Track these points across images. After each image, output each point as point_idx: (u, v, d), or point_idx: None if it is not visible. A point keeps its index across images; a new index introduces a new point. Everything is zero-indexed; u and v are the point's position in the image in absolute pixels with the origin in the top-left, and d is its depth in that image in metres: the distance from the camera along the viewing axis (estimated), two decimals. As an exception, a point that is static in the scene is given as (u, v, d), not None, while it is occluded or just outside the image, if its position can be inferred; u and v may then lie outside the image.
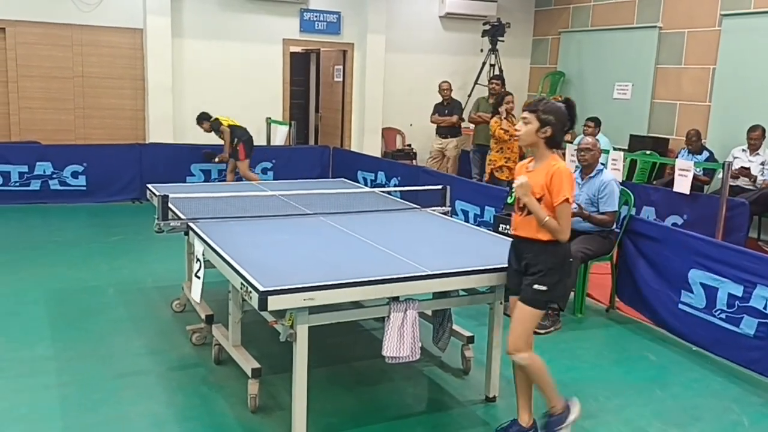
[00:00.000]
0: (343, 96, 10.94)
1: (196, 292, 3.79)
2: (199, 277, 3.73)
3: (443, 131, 9.26)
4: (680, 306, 4.66)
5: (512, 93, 7.89)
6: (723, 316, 4.34)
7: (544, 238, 3.04)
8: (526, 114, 3.07)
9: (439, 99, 9.32)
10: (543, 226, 3.02)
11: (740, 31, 8.43)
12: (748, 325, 4.16)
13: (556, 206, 2.99)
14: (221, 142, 8.32)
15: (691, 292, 4.58)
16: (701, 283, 4.50)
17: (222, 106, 9.70)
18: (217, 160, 8.48)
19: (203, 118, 8.24)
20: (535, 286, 3.06)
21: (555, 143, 3.09)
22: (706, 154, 7.79)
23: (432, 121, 9.35)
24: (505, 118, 7.26)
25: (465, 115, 9.49)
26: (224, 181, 8.69)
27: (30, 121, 9.03)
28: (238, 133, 8.17)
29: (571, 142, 8.48)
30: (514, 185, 3.13)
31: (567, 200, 2.99)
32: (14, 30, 8.77)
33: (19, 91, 8.93)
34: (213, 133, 8.31)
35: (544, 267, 3.06)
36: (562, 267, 3.10)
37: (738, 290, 4.23)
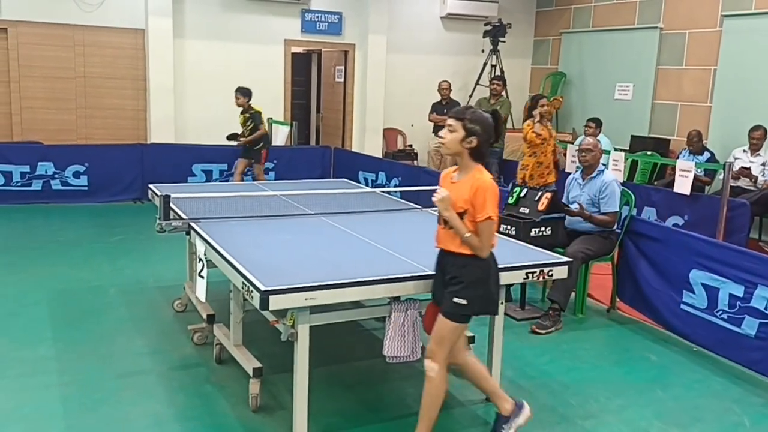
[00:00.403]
0: (344, 96, 10.95)
1: (200, 292, 3.80)
2: (203, 277, 3.73)
3: (441, 130, 9.25)
4: (682, 306, 4.67)
5: (546, 96, 7.59)
6: (725, 316, 4.34)
7: (467, 251, 2.92)
8: (451, 121, 2.96)
9: (438, 98, 9.34)
10: (464, 242, 2.91)
11: (741, 31, 8.44)
12: (750, 326, 4.16)
13: (478, 223, 2.87)
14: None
15: (693, 292, 4.58)
16: (702, 284, 4.51)
17: (223, 106, 9.72)
18: (236, 143, 8.24)
19: (246, 94, 7.95)
20: (455, 299, 2.94)
21: (480, 155, 2.95)
22: (707, 154, 7.79)
23: (430, 120, 9.39)
24: (538, 121, 6.90)
25: None
26: (226, 181, 8.71)
27: (32, 121, 9.05)
28: (266, 139, 8.30)
29: (572, 143, 8.49)
30: (433, 198, 2.97)
31: (490, 218, 2.86)
32: (16, 30, 8.78)
33: (21, 91, 8.95)
34: (241, 114, 8.05)
35: (465, 280, 2.94)
36: (486, 281, 2.97)
37: (739, 291, 4.23)
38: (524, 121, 7.32)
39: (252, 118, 7.98)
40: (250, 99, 7.97)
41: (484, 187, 2.87)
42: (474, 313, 3.02)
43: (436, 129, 9.35)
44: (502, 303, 3.40)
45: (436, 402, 3.06)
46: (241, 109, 8.00)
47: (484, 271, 2.97)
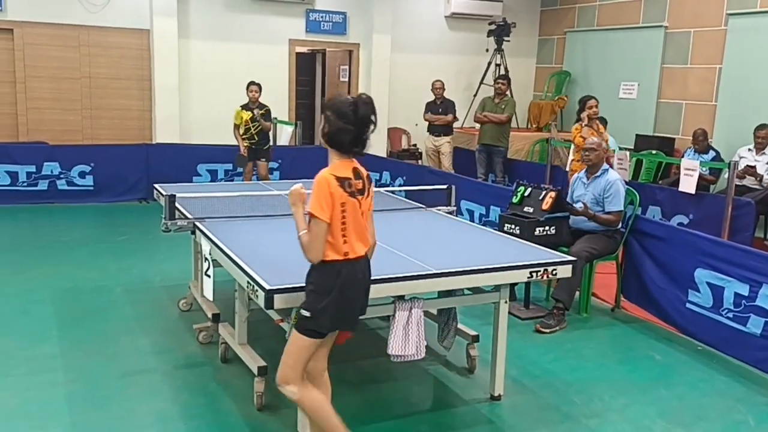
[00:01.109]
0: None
1: (208, 291, 3.81)
2: (209, 276, 3.75)
3: (436, 130, 9.31)
4: (688, 305, 4.66)
5: (595, 97, 7.05)
6: (730, 315, 4.33)
7: None
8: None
9: (432, 98, 9.37)
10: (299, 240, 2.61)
11: (746, 30, 8.41)
12: (755, 325, 4.15)
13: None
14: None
15: (698, 291, 4.57)
16: (707, 283, 4.50)
17: (228, 106, 9.74)
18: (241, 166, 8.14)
19: (260, 89, 7.84)
20: (301, 310, 2.70)
21: (336, 144, 2.65)
22: (712, 153, 7.77)
23: (425, 119, 9.39)
24: (586, 124, 6.67)
25: (460, 115, 9.62)
26: (231, 181, 8.74)
27: (38, 122, 9.08)
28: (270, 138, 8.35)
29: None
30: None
31: (312, 215, 2.57)
32: (22, 31, 8.82)
33: (27, 91, 8.98)
34: (256, 109, 7.80)
35: (307, 289, 2.70)
36: (331, 292, 2.63)
37: (744, 289, 4.22)
38: (575, 122, 7.06)
39: (268, 113, 7.90)
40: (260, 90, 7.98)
41: (317, 181, 2.61)
42: (318, 329, 2.68)
43: (431, 128, 9.37)
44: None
45: (320, 414, 2.79)
46: (255, 102, 7.80)
47: (330, 280, 2.64)
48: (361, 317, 2.84)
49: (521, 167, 8.94)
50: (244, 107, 7.83)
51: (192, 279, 4.97)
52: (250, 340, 3.85)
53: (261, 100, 7.95)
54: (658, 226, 5.23)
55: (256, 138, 7.92)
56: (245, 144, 7.90)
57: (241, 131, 7.88)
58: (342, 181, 2.64)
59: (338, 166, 2.68)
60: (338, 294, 2.65)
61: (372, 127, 2.68)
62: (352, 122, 2.63)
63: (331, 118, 2.65)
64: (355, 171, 2.72)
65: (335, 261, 2.64)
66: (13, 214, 7.75)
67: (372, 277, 3.01)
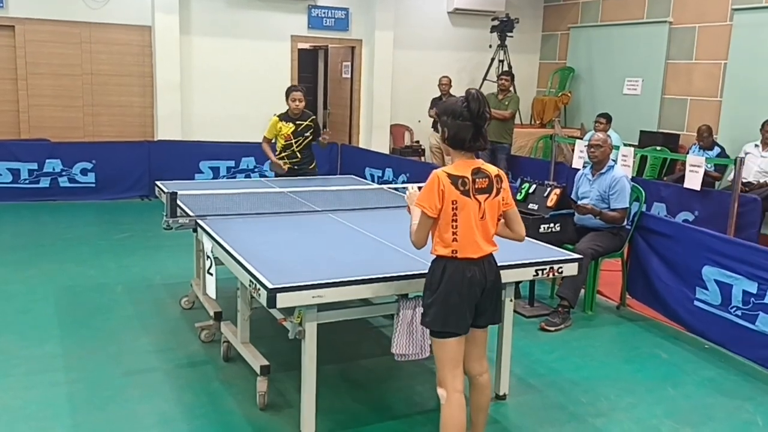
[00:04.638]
0: (351, 92, 10.91)
1: (210, 289, 3.79)
2: (212, 274, 3.72)
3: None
4: (696, 303, 4.62)
5: None
6: (739, 313, 4.29)
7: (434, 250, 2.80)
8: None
9: (438, 94, 9.33)
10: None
11: (752, 25, 8.34)
12: (764, 323, 4.11)
13: None
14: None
15: (706, 288, 4.53)
16: (715, 280, 4.46)
17: (230, 102, 9.73)
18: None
19: (305, 97, 6.04)
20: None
21: (459, 142, 2.76)
22: (717, 149, 7.72)
23: (430, 116, 9.38)
24: None
25: None
26: (233, 178, 8.72)
27: (39, 119, 9.05)
28: None
29: (581, 138, 8.43)
30: None
31: (419, 205, 2.75)
32: (23, 28, 8.78)
33: (29, 88, 8.95)
34: (301, 120, 5.91)
35: (425, 283, 2.83)
36: (438, 289, 2.73)
37: (752, 287, 4.18)
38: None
39: (317, 126, 6.08)
40: None
41: (429, 177, 2.73)
42: (429, 326, 2.77)
43: (436, 125, 9.33)
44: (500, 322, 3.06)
45: (449, 430, 2.79)
46: (297, 112, 5.89)
47: (435, 272, 2.75)
48: (478, 325, 2.86)
49: (525, 164, 8.90)
50: (283, 117, 5.92)
51: (194, 277, 4.94)
52: (252, 338, 3.82)
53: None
54: (664, 223, 5.18)
55: (299, 156, 5.96)
56: (286, 164, 5.96)
57: (279, 147, 5.96)
58: (455, 179, 2.69)
59: (457, 165, 2.74)
60: (443, 291, 2.71)
61: (488, 118, 2.75)
62: (468, 118, 2.70)
63: (448, 121, 2.73)
64: (477, 170, 2.75)
65: (443, 256, 2.73)
66: (15, 211, 7.73)
67: (375, 276, 2.97)
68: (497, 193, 2.78)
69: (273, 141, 5.99)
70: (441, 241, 2.73)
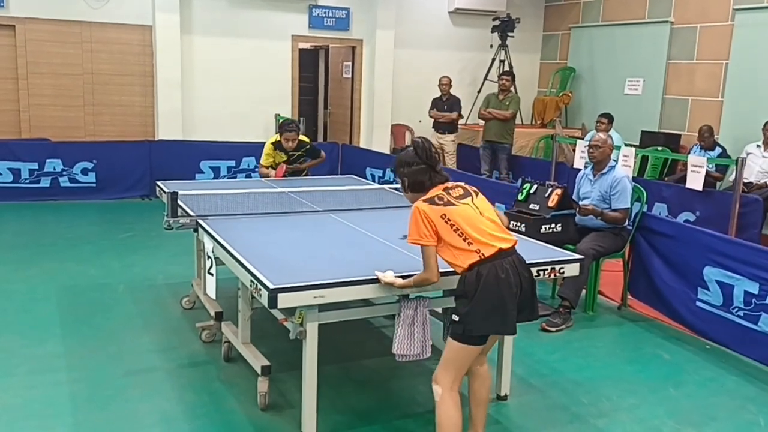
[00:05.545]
0: (351, 92, 10.91)
1: (210, 289, 3.78)
2: (212, 274, 3.72)
3: (441, 127, 9.30)
4: (698, 303, 4.61)
5: None
6: (741, 313, 4.28)
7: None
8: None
9: (438, 94, 9.32)
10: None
11: (753, 25, 8.33)
12: (767, 323, 4.10)
13: None
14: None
15: (708, 289, 4.53)
16: (717, 281, 4.45)
17: (231, 102, 9.73)
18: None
19: (299, 133, 6.06)
20: (453, 315, 2.83)
21: (420, 185, 2.88)
22: (718, 150, 7.71)
23: (430, 116, 9.36)
24: None
25: (464, 111, 9.56)
26: (234, 178, 8.72)
27: (40, 118, 9.05)
28: None
29: (582, 138, 8.43)
30: None
31: (416, 243, 2.83)
32: (24, 27, 8.78)
33: (29, 88, 8.95)
34: (296, 150, 6.02)
35: (456, 294, 2.83)
36: (474, 296, 2.73)
37: (754, 288, 4.17)
38: None
39: (313, 150, 6.24)
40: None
41: (410, 214, 2.82)
42: (470, 332, 2.75)
43: (436, 125, 9.33)
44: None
45: (446, 430, 2.82)
46: (290, 149, 5.97)
47: (470, 283, 2.75)
48: (527, 321, 2.86)
49: (526, 164, 8.89)
50: (277, 146, 5.99)
51: (195, 277, 4.93)
52: (253, 338, 3.81)
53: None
54: (666, 223, 5.18)
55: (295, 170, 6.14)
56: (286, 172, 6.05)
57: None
58: (431, 200, 2.80)
59: (428, 193, 2.85)
60: (481, 296, 2.71)
61: (437, 158, 2.91)
62: (419, 162, 2.85)
63: (404, 171, 2.87)
64: (446, 187, 2.87)
65: (473, 264, 2.74)
66: (16, 211, 7.73)
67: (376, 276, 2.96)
68: (477, 194, 2.91)
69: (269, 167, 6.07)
70: (461, 253, 2.75)
